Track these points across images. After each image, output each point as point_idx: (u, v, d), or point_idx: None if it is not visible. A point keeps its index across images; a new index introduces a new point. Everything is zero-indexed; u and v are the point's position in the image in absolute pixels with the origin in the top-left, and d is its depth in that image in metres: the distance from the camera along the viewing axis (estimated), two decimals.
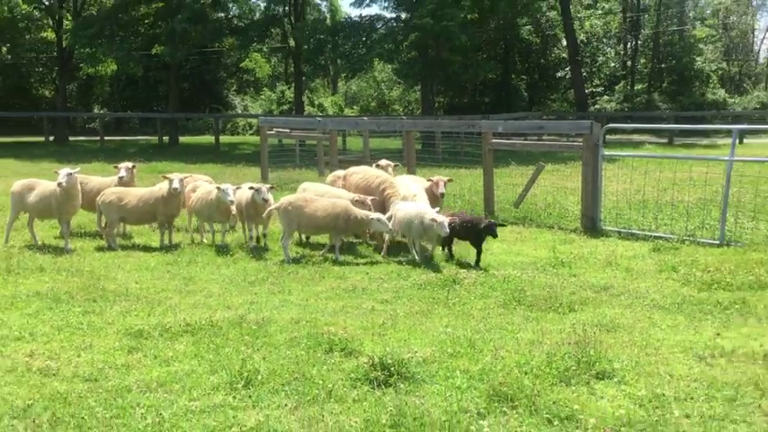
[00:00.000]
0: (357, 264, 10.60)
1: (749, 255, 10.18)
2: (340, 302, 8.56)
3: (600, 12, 58.10)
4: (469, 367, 6.21)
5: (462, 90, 54.69)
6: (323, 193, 11.96)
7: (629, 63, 59.70)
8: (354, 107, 70.32)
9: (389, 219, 10.94)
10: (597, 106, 54.13)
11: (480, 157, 15.27)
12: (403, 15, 41.21)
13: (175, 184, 11.45)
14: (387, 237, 11.14)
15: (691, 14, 62.02)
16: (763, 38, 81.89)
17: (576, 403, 5.41)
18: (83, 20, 41.59)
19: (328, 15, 53.29)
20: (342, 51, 40.97)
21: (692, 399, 5.60)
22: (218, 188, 11.38)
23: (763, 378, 5.94)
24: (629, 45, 61.15)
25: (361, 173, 12.79)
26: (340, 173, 13.46)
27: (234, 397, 5.69)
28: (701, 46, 56.76)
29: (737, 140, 13.59)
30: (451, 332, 7.23)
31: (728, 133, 29.88)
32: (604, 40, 60.54)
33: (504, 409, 5.32)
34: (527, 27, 53.58)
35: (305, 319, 7.74)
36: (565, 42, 50.67)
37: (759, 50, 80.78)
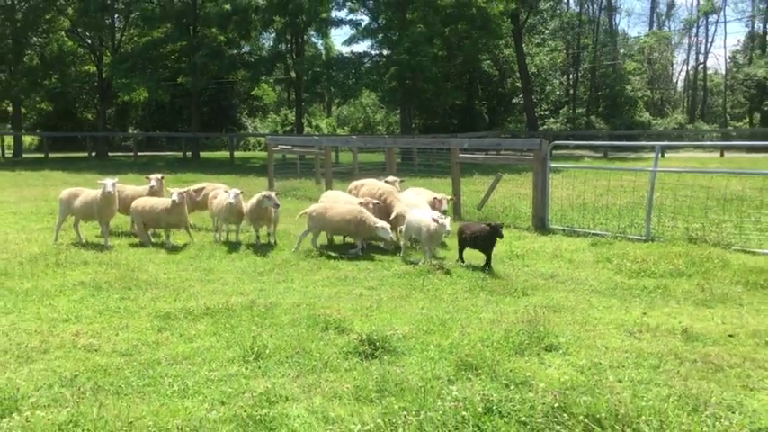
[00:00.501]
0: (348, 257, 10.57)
1: (669, 248, 10.23)
2: (334, 289, 8.53)
3: (547, 49, 58.30)
4: (441, 342, 6.20)
5: (434, 113, 54.69)
6: (337, 200, 11.89)
7: (571, 91, 59.98)
8: (345, 127, 70.13)
9: (399, 220, 10.74)
10: (545, 127, 54.28)
11: (450, 168, 15.29)
12: (385, 52, 41.22)
13: (174, 197, 11.08)
14: (403, 242, 10.59)
15: (621, 51, 62.33)
16: (680, 71, 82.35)
17: (528, 371, 5.41)
18: (119, 56, 41.41)
19: (324, 52, 53.05)
20: (335, 81, 40.95)
21: (623, 366, 5.62)
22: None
23: (681, 349, 5.98)
24: (571, 76, 61.44)
25: (367, 185, 12.54)
26: (355, 183, 13.16)
27: (246, 368, 5.65)
28: (629, 77, 57.07)
29: (660, 155, 13.65)
30: (426, 313, 7.22)
31: (653, 149, 30.18)
32: (551, 72, 60.74)
33: (470, 376, 5.31)
34: (487, 62, 53.67)
35: (305, 303, 7.70)
36: (518, 74, 50.80)
37: (677, 81, 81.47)
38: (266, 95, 59.47)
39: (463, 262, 9.89)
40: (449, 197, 12.18)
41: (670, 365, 5.60)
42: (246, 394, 5.04)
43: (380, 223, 10.55)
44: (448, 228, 9.30)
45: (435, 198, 11.71)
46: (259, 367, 5.66)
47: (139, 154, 41.02)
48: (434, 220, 9.40)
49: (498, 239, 9.37)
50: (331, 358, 5.81)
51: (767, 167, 20.25)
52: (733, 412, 4.66)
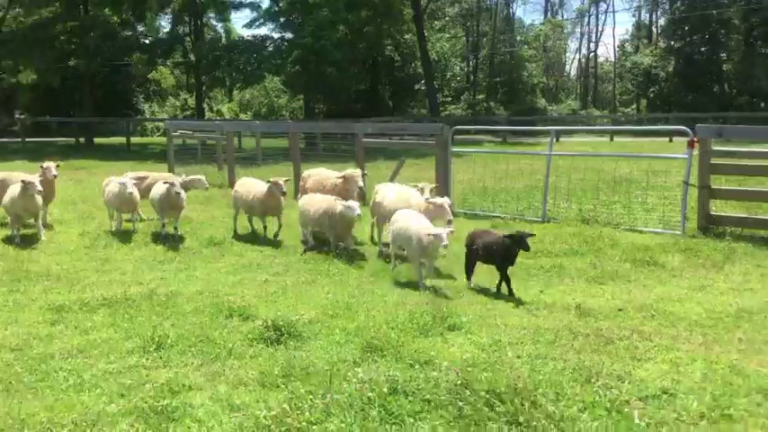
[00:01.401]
0: (253, 243, 10.41)
1: (564, 228, 10.66)
2: (238, 276, 8.39)
3: (448, 35, 59.22)
4: (347, 325, 6.23)
5: (338, 98, 54.51)
6: (251, 187, 10.90)
7: (471, 77, 61.23)
8: (248, 112, 68.86)
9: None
10: (447, 112, 55.21)
11: (354, 153, 15.31)
12: (288, 36, 40.69)
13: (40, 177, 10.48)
14: (391, 249, 8.55)
15: (518, 38, 64.10)
16: (573, 58, 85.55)
17: (432, 350, 5.52)
18: (1, 35, 38.87)
19: (224, 35, 51.78)
20: (236, 66, 40.12)
21: (521, 343, 5.82)
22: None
23: (575, 324, 6.25)
24: (471, 63, 62.70)
25: (315, 175, 11.43)
26: (304, 175, 11.81)
27: (147, 359, 5.48)
28: (526, 64, 58.80)
29: (555, 139, 14.18)
30: (332, 297, 7.23)
31: (548, 133, 31.29)
32: (452, 59, 61.75)
33: (376, 358, 5.36)
34: (390, 47, 53.96)
35: (208, 291, 7.55)
36: (420, 60, 51.37)
37: (570, 68, 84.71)
38: (164, 79, 57.48)
39: (471, 283, 7.74)
40: (449, 201, 9.05)
41: (565, 340, 5.85)
42: (147, 385, 4.90)
43: (345, 203, 9.04)
44: (445, 241, 7.32)
45: (432, 203, 8.78)
46: (161, 358, 5.50)
47: (27, 140, 38.76)
48: (429, 235, 7.37)
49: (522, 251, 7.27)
50: (236, 346, 5.73)
51: (653, 151, 21.39)
52: (622, 382, 4.92)
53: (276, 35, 42.44)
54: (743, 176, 12.59)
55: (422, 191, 9.61)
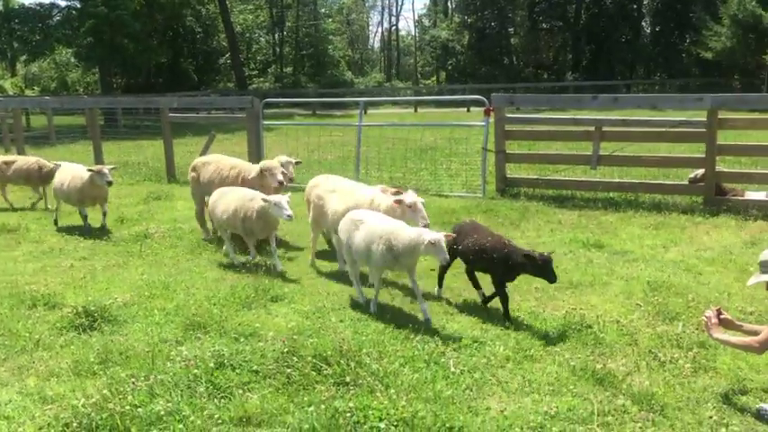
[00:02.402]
0: (53, 228, 9.66)
1: None
2: (39, 263, 7.78)
3: (251, 7, 58.01)
4: (166, 305, 6.04)
5: (138, 72, 51.48)
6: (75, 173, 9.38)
7: (278, 50, 60.56)
8: (35, 88, 62.93)
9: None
10: (255, 86, 54.29)
11: (160, 129, 14.65)
12: (79, 4, 37.64)
13: None
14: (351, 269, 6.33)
15: (322, 11, 64.33)
16: (376, 32, 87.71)
17: (257, 322, 5.53)
18: None
19: (0, 2, 46.77)
20: (18, 36, 36.45)
21: (344, 308, 6.01)
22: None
23: (391, 286, 6.54)
24: (276, 36, 61.96)
25: (213, 163, 9.01)
26: (201, 160, 9.35)
27: None
28: (331, 37, 59.27)
29: (364, 111, 14.55)
30: (147, 278, 6.95)
31: (357, 106, 31.97)
32: (257, 31, 60.64)
33: (199, 335, 5.27)
34: (191, 19, 51.82)
35: (4, 281, 6.94)
36: (224, 32, 49.93)
37: (373, 42, 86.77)
38: None
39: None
40: (421, 199, 6.58)
41: (384, 301, 6.10)
42: None
43: (272, 198, 7.18)
44: (446, 255, 5.46)
45: (400, 200, 6.50)
46: None
47: None
48: (431, 243, 5.33)
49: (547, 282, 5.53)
50: (43, 336, 5.34)
51: (454, 120, 22.66)
52: (438, 335, 5.26)
53: (64, 3, 39.13)
54: (533, 141, 13.74)
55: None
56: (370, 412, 3.91)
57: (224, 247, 7.87)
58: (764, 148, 10.72)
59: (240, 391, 4.27)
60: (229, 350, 4.80)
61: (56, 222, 9.82)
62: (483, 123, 11.68)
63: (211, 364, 4.52)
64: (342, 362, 4.53)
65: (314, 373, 4.47)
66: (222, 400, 4.18)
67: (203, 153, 14.59)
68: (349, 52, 67.94)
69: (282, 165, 8.75)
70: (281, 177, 8.13)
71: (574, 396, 4.30)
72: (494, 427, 3.92)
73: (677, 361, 4.80)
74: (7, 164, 11.45)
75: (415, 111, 38.81)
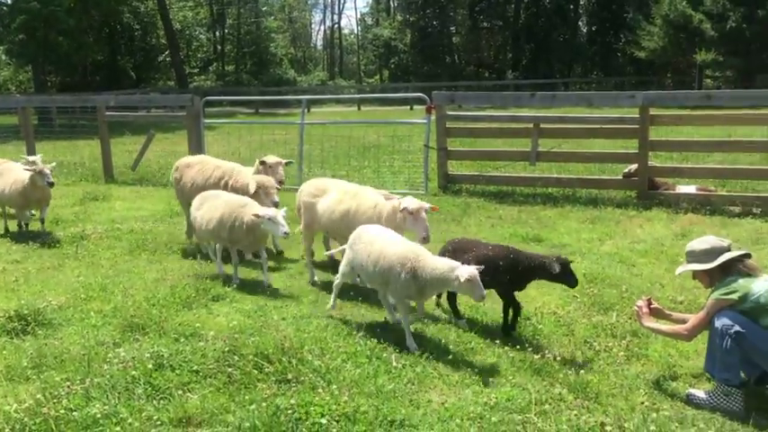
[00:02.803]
0: None
1: None
2: None
3: (191, 3, 57.04)
4: (103, 307, 5.91)
5: (73, 69, 50.02)
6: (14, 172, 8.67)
7: (219, 48, 59.73)
8: None
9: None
10: (196, 84, 53.42)
11: (97, 128, 14.29)
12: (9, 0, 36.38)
13: None
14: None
15: (263, 9, 63.73)
16: (318, 30, 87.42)
17: (197, 322, 5.46)
18: None
19: None
20: None
21: (286, 306, 5.99)
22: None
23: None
24: (217, 33, 61.08)
25: (197, 165, 8.29)
26: (181, 163, 8.55)
27: None
28: (273, 35, 58.77)
29: (307, 109, 14.50)
30: (83, 280, 6.78)
31: (299, 104, 31.86)
32: (197, 28, 59.65)
33: (137, 336, 5.17)
34: (128, 15, 50.61)
35: None
36: (163, 29, 48.96)
37: (316, 40, 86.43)
38: None
39: (459, 318, 5.61)
40: (428, 205, 6.14)
41: (326, 299, 6.08)
42: None
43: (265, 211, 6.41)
44: (482, 293, 4.74)
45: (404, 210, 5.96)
46: None
47: None
48: (468, 280, 4.65)
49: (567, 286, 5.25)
50: None
51: (396, 118, 22.79)
52: (382, 330, 5.30)
53: None
54: (474, 138, 13.93)
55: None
56: (312, 408, 3.91)
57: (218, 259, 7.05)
58: (694, 144, 11.12)
59: (180, 392, 4.21)
60: (169, 351, 4.72)
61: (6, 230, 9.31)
62: (425, 121, 11.79)
63: (150, 366, 4.44)
64: (283, 359, 4.52)
65: (255, 372, 4.44)
66: (161, 402, 4.12)
67: (142, 153, 14.36)
68: (291, 50, 67.52)
69: (271, 166, 8.09)
70: (276, 198, 7.28)
71: (513, 386, 4.39)
72: (435, 419, 3.98)
73: (611, 350, 4.95)
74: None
75: (359, 109, 38.88)
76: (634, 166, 10.36)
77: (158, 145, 16.38)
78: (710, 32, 35.27)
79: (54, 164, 9.08)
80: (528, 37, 52.25)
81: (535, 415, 4.01)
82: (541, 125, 10.95)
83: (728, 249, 4.34)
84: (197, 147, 12.58)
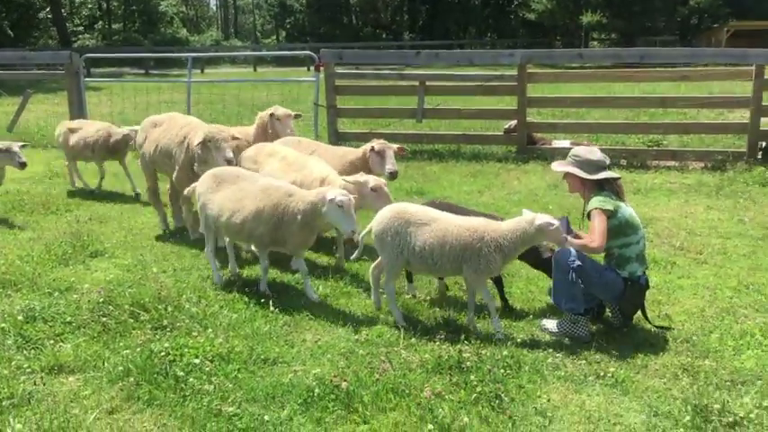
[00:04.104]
0: None
1: None
2: None
3: None
4: None
5: None
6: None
7: (105, 5, 56.75)
8: None
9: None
10: (80, 43, 50.68)
11: None
12: None
13: None
14: (384, 276, 4.82)
15: None
16: None
17: (73, 277, 5.42)
18: None
19: None
20: None
21: (167, 260, 6.01)
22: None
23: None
24: None
25: (165, 122, 6.79)
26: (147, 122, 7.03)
27: None
28: None
29: (200, 71, 14.20)
30: None
31: (194, 63, 31.01)
32: None
33: (9, 293, 5.08)
34: None
35: None
36: None
37: None
38: None
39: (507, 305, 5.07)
40: (395, 146, 6.23)
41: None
42: None
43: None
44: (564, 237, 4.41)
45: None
46: None
47: None
48: (548, 222, 4.34)
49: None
50: None
51: (294, 77, 22.65)
52: (260, 280, 5.44)
53: None
54: (364, 96, 14.08)
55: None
56: (186, 350, 4.03)
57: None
58: (569, 100, 11.73)
59: (52, 342, 4.23)
60: (41, 304, 4.70)
61: None
62: (313, 79, 11.83)
63: (21, 318, 4.42)
64: (160, 307, 4.60)
65: (131, 321, 4.50)
66: (32, 351, 4.12)
67: (18, 113, 13.68)
68: (183, 9, 65.04)
69: (279, 119, 7.07)
70: (229, 154, 5.90)
71: (384, 325, 4.65)
72: (307, 356, 4.19)
73: None
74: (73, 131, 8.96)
75: (255, 70, 38.17)
76: (514, 122, 10.85)
77: (39, 106, 15.66)
78: None
79: (24, 143, 7.91)
80: None
81: (402, 348, 4.28)
82: (427, 83, 11.25)
83: (608, 167, 4.67)
84: (78, 107, 12.13)
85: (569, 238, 4.51)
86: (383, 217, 4.62)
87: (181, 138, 6.37)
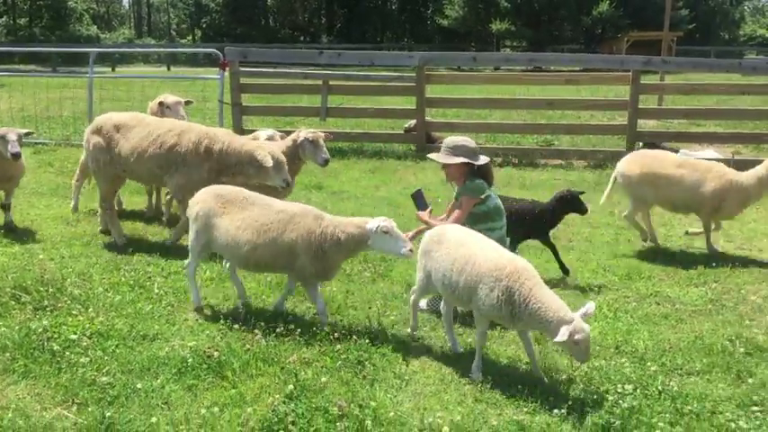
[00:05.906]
0: None
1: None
2: None
3: None
4: None
5: None
6: None
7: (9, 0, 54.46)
8: None
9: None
10: None
11: None
12: None
13: None
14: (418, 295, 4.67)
15: None
16: None
17: None
18: None
19: None
20: None
21: (55, 248, 6.07)
22: None
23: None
24: None
25: (140, 125, 6.12)
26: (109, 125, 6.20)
27: None
28: None
29: (111, 69, 14.00)
30: None
31: (103, 62, 30.27)
32: None
33: None
34: None
35: None
36: None
37: None
38: None
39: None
40: (322, 133, 6.56)
41: (97, 242, 6.23)
42: None
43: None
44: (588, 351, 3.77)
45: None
46: None
47: None
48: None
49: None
50: None
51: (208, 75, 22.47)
52: (148, 266, 5.59)
53: None
54: (269, 95, 14.22)
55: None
56: (65, 328, 4.17)
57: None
58: (466, 101, 12.27)
59: None
60: None
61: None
62: (218, 77, 11.91)
63: None
64: (42, 289, 4.69)
65: (12, 303, 4.58)
66: None
67: None
68: (94, 6, 63.07)
69: (169, 107, 7.15)
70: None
71: (268, 306, 4.88)
72: (187, 333, 4.39)
73: (363, 273, 5.64)
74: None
75: (169, 69, 37.51)
76: (413, 122, 11.28)
77: None
78: (505, 3, 38.03)
79: (28, 130, 6.73)
80: (341, 2, 53.01)
81: (282, 323, 4.51)
82: (330, 82, 11.55)
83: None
84: None
85: (426, 216, 4.93)
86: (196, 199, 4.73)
87: (191, 143, 5.85)
